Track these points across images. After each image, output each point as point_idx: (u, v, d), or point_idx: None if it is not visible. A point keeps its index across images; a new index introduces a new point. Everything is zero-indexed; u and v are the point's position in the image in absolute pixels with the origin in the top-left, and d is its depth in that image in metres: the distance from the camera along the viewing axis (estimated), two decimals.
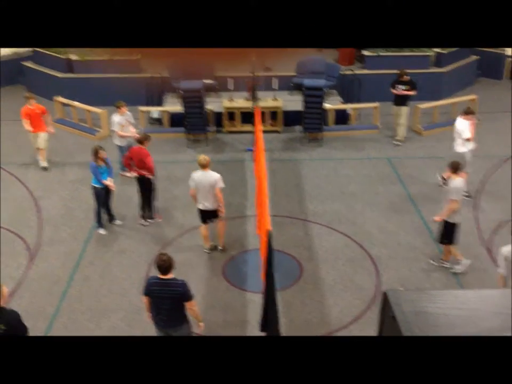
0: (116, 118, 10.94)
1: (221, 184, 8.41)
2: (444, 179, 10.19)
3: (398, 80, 12.37)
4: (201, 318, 6.38)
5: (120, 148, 11.22)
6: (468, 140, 9.95)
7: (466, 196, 10.05)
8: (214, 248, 8.94)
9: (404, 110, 12.45)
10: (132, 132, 11.11)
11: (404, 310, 1.81)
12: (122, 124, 10.93)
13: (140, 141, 9.48)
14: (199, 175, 8.43)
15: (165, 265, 5.82)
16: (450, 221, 8.02)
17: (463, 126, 10.03)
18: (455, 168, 7.93)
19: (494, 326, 1.70)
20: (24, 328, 5.42)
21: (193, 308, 6.05)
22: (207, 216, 8.68)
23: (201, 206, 8.61)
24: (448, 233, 8.17)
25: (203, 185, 8.41)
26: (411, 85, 12.29)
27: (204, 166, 8.38)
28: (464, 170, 10.04)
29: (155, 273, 8.34)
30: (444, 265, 8.45)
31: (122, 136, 11.02)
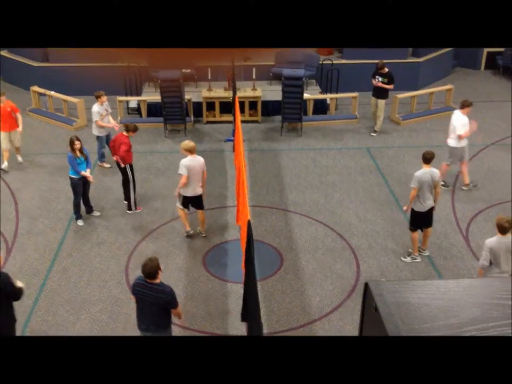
0: (96, 107, 10.80)
1: (205, 167, 8.64)
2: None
3: (377, 71, 12.44)
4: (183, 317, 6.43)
5: (99, 138, 11.10)
6: (459, 136, 9.96)
7: (444, 185, 10.21)
8: (191, 236, 8.95)
9: (381, 102, 12.50)
10: (112, 122, 10.98)
11: (386, 301, 1.82)
12: (102, 113, 10.80)
13: (127, 129, 9.43)
14: (189, 161, 8.40)
15: (149, 270, 5.70)
16: (414, 208, 8.20)
17: (459, 121, 9.97)
18: (425, 158, 8.07)
19: (475, 316, 1.72)
20: (14, 290, 5.77)
21: (179, 315, 6.02)
22: (193, 203, 8.73)
23: (190, 193, 8.58)
24: (411, 220, 8.41)
25: (196, 170, 8.47)
26: (389, 78, 12.33)
27: (192, 151, 8.43)
28: (448, 162, 10.21)
29: (135, 265, 8.34)
30: (422, 253, 8.57)
31: (102, 126, 10.89)
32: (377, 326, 1.80)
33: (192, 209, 8.89)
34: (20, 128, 11.14)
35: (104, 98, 10.81)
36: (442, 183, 10.15)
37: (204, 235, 9.01)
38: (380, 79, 12.35)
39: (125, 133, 9.40)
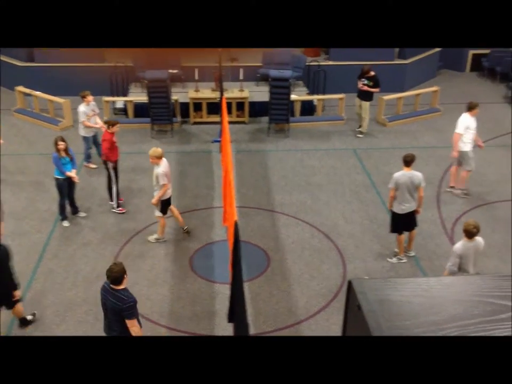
0: (82, 108, 10.72)
1: None
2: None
3: (363, 74, 12.49)
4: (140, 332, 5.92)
5: (86, 138, 11.02)
6: (455, 135, 9.92)
7: (465, 194, 10.24)
8: (162, 241, 8.96)
9: (366, 104, 12.57)
10: (98, 123, 10.90)
11: (368, 299, 1.83)
12: (88, 114, 10.72)
13: (108, 125, 9.43)
14: (165, 167, 8.42)
15: (113, 276, 5.60)
16: (393, 210, 8.24)
17: (462, 123, 9.93)
18: (405, 160, 8.10)
19: (457, 313, 1.74)
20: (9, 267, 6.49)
21: (132, 328, 5.66)
22: (168, 204, 8.79)
23: (169, 195, 8.67)
24: (391, 222, 8.45)
25: (170, 173, 8.71)
26: (375, 81, 12.37)
27: (162, 156, 8.44)
28: (467, 168, 10.06)
29: (125, 263, 8.29)
30: (408, 254, 8.62)
31: (88, 127, 10.82)
32: (360, 324, 1.81)
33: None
34: None
35: (90, 98, 10.72)
36: (460, 191, 10.23)
37: (187, 229, 9.04)
38: (366, 81, 12.40)
39: (108, 130, 9.36)
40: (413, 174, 8.06)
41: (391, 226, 8.44)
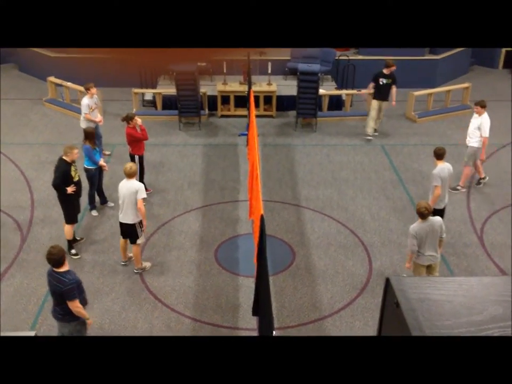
0: (86, 100, 10.45)
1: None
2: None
3: (381, 73, 11.83)
4: (88, 316, 6.01)
5: None
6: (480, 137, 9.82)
7: (461, 187, 10.20)
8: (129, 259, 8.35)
9: (385, 104, 12.09)
10: (99, 117, 10.65)
11: (407, 297, 1.81)
12: (91, 106, 10.50)
13: (126, 120, 9.45)
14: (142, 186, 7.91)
15: (52, 258, 5.64)
16: (434, 206, 8.12)
17: (473, 122, 9.89)
18: (437, 154, 8.04)
19: (498, 313, 1.70)
20: None
21: (75, 309, 5.77)
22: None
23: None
24: None
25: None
26: (393, 78, 11.80)
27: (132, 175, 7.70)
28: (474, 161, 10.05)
29: (148, 256, 8.38)
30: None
31: (90, 120, 10.47)
32: (398, 322, 1.79)
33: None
34: None
35: (94, 90, 10.49)
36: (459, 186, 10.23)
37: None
38: (385, 81, 11.81)
39: (129, 125, 9.41)
40: (448, 166, 8.12)
41: None
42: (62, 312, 5.86)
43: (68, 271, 5.77)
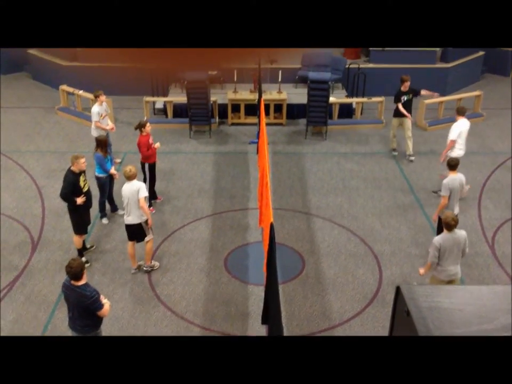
0: (96, 108, 10.51)
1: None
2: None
3: (400, 92, 11.43)
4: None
5: None
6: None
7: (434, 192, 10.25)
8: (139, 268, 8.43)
9: (409, 122, 11.55)
10: (110, 124, 10.72)
11: (418, 305, 1.79)
12: (102, 114, 10.55)
13: (138, 129, 9.50)
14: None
15: (71, 272, 5.64)
16: (442, 216, 8.05)
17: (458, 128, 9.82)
18: (450, 165, 8.01)
19: (509, 322, 1.69)
20: None
21: (105, 315, 5.91)
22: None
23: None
24: (439, 228, 8.22)
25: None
26: (413, 92, 11.50)
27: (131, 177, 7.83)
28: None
29: (161, 262, 8.40)
30: None
31: (101, 128, 10.54)
32: (408, 330, 1.78)
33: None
34: None
35: (103, 97, 10.53)
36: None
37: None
38: (405, 97, 11.36)
39: (142, 134, 9.45)
40: (460, 177, 8.05)
41: (439, 232, 8.16)
42: (82, 324, 5.88)
43: (87, 284, 5.79)
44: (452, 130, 9.80)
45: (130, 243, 8.14)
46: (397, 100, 11.48)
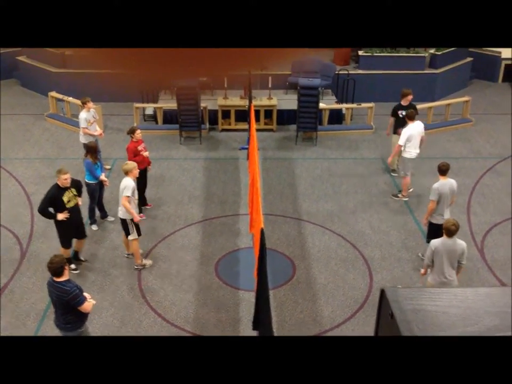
0: (83, 114, 10.49)
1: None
2: None
3: (399, 106, 10.92)
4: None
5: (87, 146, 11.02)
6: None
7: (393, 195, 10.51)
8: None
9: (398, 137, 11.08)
10: (98, 130, 10.72)
11: (402, 308, 1.80)
12: (89, 120, 10.53)
13: (129, 135, 9.53)
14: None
15: (52, 267, 5.71)
16: (432, 221, 8.11)
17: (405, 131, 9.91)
18: (441, 170, 8.06)
19: (494, 324, 1.69)
20: None
21: (88, 310, 5.94)
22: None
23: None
24: (429, 233, 8.27)
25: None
26: (414, 108, 10.67)
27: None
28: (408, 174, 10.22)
29: (148, 270, 8.36)
30: None
31: (89, 134, 10.48)
32: (392, 333, 1.78)
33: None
34: None
35: (91, 104, 10.53)
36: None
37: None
38: (404, 113, 10.51)
39: (133, 139, 9.45)
40: (451, 182, 8.09)
41: (428, 237, 8.16)
42: (65, 322, 5.92)
43: (68, 280, 5.84)
44: (402, 135, 9.92)
45: (123, 232, 8.40)
46: (394, 113, 11.00)
